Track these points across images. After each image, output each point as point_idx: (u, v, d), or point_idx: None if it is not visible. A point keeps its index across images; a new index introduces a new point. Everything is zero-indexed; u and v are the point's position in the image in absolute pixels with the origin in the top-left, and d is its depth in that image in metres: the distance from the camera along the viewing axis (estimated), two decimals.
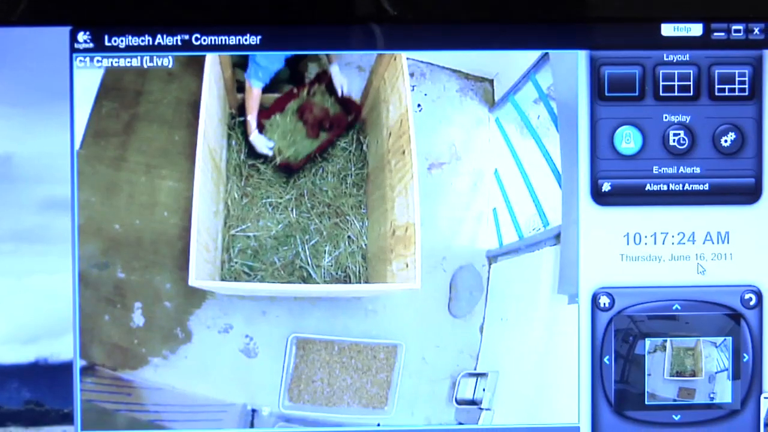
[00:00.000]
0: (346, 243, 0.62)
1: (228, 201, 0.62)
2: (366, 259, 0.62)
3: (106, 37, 0.55)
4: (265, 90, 0.60)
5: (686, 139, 0.55)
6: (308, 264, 0.60)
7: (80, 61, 0.55)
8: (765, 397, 0.57)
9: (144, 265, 0.57)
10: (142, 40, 0.55)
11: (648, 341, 0.56)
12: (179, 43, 0.55)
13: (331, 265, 0.61)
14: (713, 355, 0.56)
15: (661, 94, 0.55)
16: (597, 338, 0.56)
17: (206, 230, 0.59)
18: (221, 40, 0.55)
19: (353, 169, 0.64)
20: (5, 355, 0.55)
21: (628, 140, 0.56)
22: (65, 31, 0.55)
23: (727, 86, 0.55)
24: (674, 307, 0.56)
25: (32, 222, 0.55)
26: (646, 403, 0.56)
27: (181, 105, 0.59)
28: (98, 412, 0.56)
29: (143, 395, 0.56)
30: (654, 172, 0.56)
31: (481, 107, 0.59)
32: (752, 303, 0.56)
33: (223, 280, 0.61)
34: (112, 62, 0.55)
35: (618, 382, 0.56)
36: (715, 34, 0.56)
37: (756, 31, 0.55)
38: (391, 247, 0.60)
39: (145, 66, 0.56)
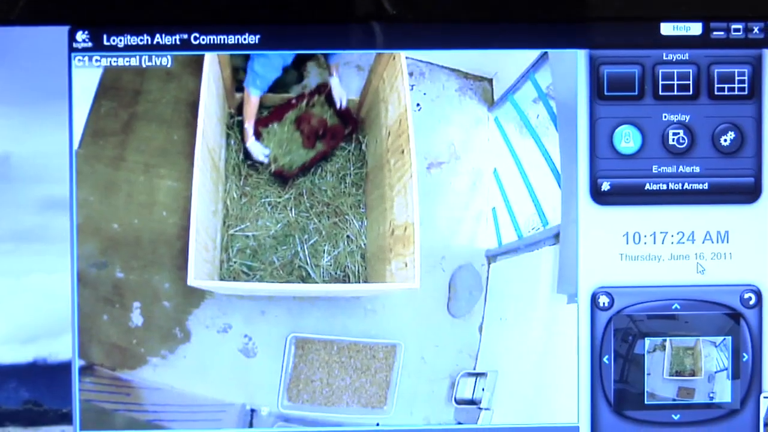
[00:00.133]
0: (345, 242, 0.62)
1: (227, 200, 0.62)
2: (365, 258, 0.62)
3: (105, 37, 0.55)
4: (272, 89, 0.60)
5: (686, 138, 0.55)
6: (307, 263, 0.60)
7: (79, 60, 0.55)
8: (764, 397, 0.56)
9: (143, 265, 0.57)
10: (141, 40, 0.55)
11: (647, 341, 0.56)
12: (178, 42, 0.55)
13: (330, 265, 0.61)
14: (713, 355, 0.56)
15: (660, 93, 0.55)
16: (596, 338, 0.56)
17: (205, 230, 0.59)
18: (220, 39, 0.55)
19: (352, 168, 0.64)
20: (4, 355, 0.55)
21: (627, 139, 0.56)
22: (64, 30, 0.55)
23: (726, 85, 0.55)
24: (674, 307, 0.56)
25: (31, 221, 0.55)
26: (646, 402, 0.56)
27: (180, 104, 0.59)
28: (97, 412, 0.56)
29: (142, 395, 0.56)
30: (653, 171, 0.56)
31: (481, 106, 0.59)
32: (752, 302, 0.56)
33: (222, 279, 0.61)
34: (110, 61, 0.55)
35: (617, 382, 0.56)
36: (715, 33, 0.55)
37: (755, 30, 0.55)
38: (390, 247, 0.60)
39: (144, 65, 0.55)
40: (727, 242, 0.56)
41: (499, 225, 0.58)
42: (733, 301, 0.56)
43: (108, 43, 0.55)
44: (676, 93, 0.55)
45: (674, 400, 0.56)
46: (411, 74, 0.58)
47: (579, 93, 0.56)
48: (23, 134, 0.55)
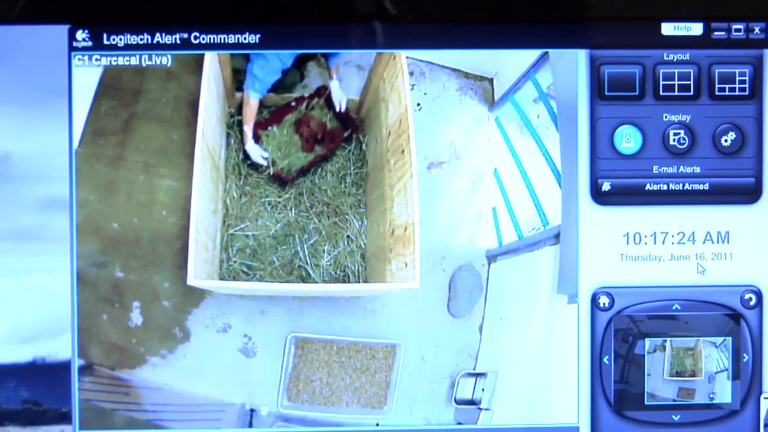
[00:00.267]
0: (345, 242, 0.62)
1: (227, 200, 0.62)
2: (365, 258, 0.62)
3: (105, 36, 0.55)
4: (275, 90, 0.60)
5: (686, 138, 0.55)
6: (307, 263, 0.60)
7: (79, 59, 0.55)
8: (765, 398, 0.56)
9: (142, 264, 0.57)
10: (141, 39, 0.55)
11: (648, 341, 0.56)
12: (178, 41, 0.55)
13: (330, 265, 0.60)
14: (713, 355, 0.56)
15: (661, 93, 0.55)
16: (596, 338, 0.56)
17: (205, 229, 0.59)
18: (220, 38, 0.55)
19: (352, 168, 0.64)
20: (3, 354, 0.55)
21: (628, 140, 0.56)
22: (64, 29, 0.55)
23: (727, 85, 0.55)
24: (674, 307, 0.56)
25: (30, 221, 0.55)
26: (646, 403, 0.56)
27: (180, 104, 0.59)
28: (96, 412, 0.56)
29: (141, 395, 0.56)
30: (654, 171, 0.56)
31: (481, 106, 0.59)
32: (752, 303, 0.56)
33: (221, 279, 0.61)
34: (110, 61, 0.55)
35: (617, 382, 0.56)
36: (716, 33, 0.55)
37: (756, 30, 0.55)
38: (390, 247, 0.60)
39: (144, 64, 0.55)
40: (728, 243, 0.56)
41: (500, 225, 0.58)
42: (734, 302, 0.56)
43: (108, 42, 0.55)
44: (676, 93, 0.55)
45: (674, 400, 0.56)
46: (411, 74, 0.58)
47: (580, 93, 0.56)
48: (23, 133, 0.55)
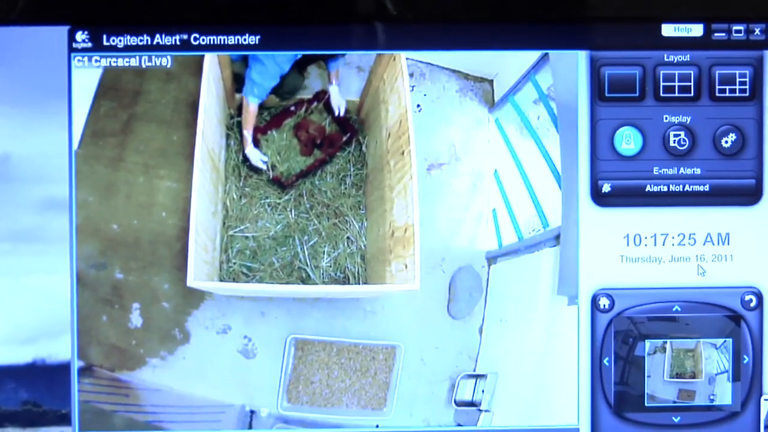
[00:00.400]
0: (345, 244, 0.62)
1: (226, 201, 0.62)
2: (365, 259, 0.62)
3: (105, 37, 0.55)
4: (279, 93, 0.60)
5: (686, 139, 0.55)
6: (307, 265, 0.60)
7: (78, 60, 0.55)
8: (765, 399, 0.56)
9: (142, 266, 0.57)
10: (141, 40, 0.55)
11: (648, 343, 0.56)
12: (178, 42, 0.55)
13: (330, 266, 0.60)
14: (713, 357, 0.56)
15: (661, 94, 0.55)
16: (597, 340, 0.56)
17: (205, 231, 0.59)
18: (220, 39, 0.55)
19: (352, 169, 0.64)
20: (3, 356, 0.55)
21: (628, 141, 0.55)
22: (63, 30, 0.55)
23: (727, 87, 0.55)
24: (674, 309, 0.56)
25: (30, 222, 0.55)
26: (646, 404, 0.56)
27: (180, 105, 0.59)
28: (96, 413, 0.56)
29: (141, 396, 0.56)
30: (654, 173, 0.55)
31: (481, 108, 0.59)
32: (752, 304, 0.56)
33: (221, 280, 0.61)
34: (110, 62, 0.55)
35: (618, 384, 0.56)
36: (716, 34, 0.55)
37: (757, 31, 0.55)
38: (390, 248, 0.60)
39: (144, 66, 0.55)
40: (728, 244, 0.56)
41: (500, 226, 0.58)
42: (734, 303, 0.56)
43: (108, 44, 0.55)
44: (677, 94, 0.55)
45: (675, 402, 0.56)
46: (411, 75, 0.58)
47: (580, 94, 0.56)
48: (23, 134, 0.54)
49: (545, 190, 0.57)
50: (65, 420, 0.56)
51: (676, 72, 0.55)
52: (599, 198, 0.56)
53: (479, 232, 0.58)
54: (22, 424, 0.55)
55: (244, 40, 0.55)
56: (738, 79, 0.55)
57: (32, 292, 0.55)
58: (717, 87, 0.55)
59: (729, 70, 0.55)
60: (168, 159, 0.58)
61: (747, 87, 0.55)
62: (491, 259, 0.58)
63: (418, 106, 0.59)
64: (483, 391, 0.57)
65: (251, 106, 0.61)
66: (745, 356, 0.56)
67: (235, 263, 0.61)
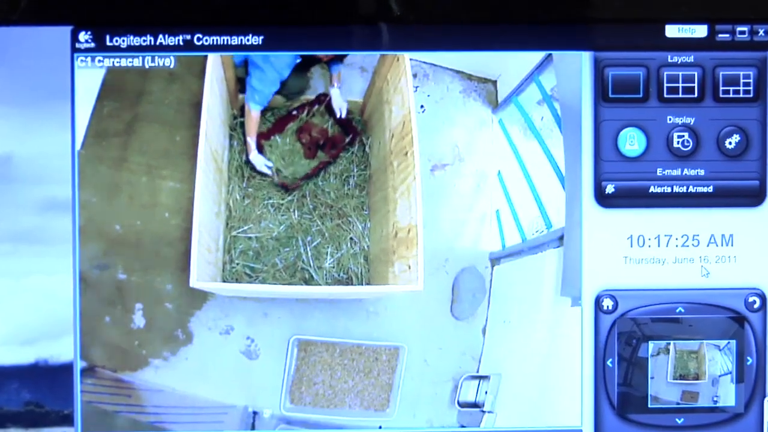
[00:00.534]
0: (348, 244, 0.62)
1: (229, 202, 0.62)
2: (368, 260, 0.62)
3: (108, 37, 0.55)
4: (286, 94, 0.60)
5: (690, 141, 0.55)
6: (310, 265, 0.60)
7: (81, 60, 0.55)
8: None
9: (145, 267, 0.57)
10: (144, 40, 0.55)
11: (651, 344, 0.56)
12: (181, 43, 0.55)
13: (333, 267, 0.60)
14: (717, 358, 0.56)
15: (665, 95, 0.55)
16: (600, 341, 0.56)
17: (208, 231, 0.59)
18: (223, 40, 0.55)
19: (355, 170, 0.64)
20: (5, 356, 0.55)
21: (632, 142, 0.55)
22: (66, 30, 0.55)
23: (731, 88, 0.55)
24: (678, 310, 0.56)
25: (32, 223, 0.55)
26: (649, 406, 0.56)
27: (183, 105, 0.58)
28: (98, 414, 0.56)
29: (144, 397, 0.56)
30: (658, 174, 0.55)
31: (485, 108, 0.59)
32: (756, 306, 0.56)
33: (224, 281, 0.60)
34: (113, 62, 0.55)
35: (621, 385, 0.56)
36: (720, 35, 0.55)
37: (761, 32, 0.55)
38: (393, 249, 0.60)
39: (147, 66, 0.55)
40: (732, 245, 0.56)
41: (503, 227, 0.58)
42: (738, 305, 0.56)
43: (111, 44, 0.55)
44: (680, 95, 0.55)
45: (678, 403, 0.56)
46: (415, 76, 0.58)
47: (583, 95, 0.56)
48: (25, 135, 0.54)
49: (549, 191, 0.57)
50: (68, 421, 0.55)
51: (680, 73, 0.55)
52: (603, 199, 0.56)
53: (482, 233, 0.58)
54: (24, 424, 0.55)
55: (248, 40, 0.55)
56: (742, 80, 0.55)
57: (33, 292, 0.55)
58: (721, 88, 0.55)
59: (733, 71, 0.55)
60: (171, 159, 0.58)
61: (751, 88, 0.55)
62: (494, 260, 0.58)
63: (422, 106, 0.59)
64: (486, 393, 0.57)
65: (253, 113, 0.61)
66: (748, 358, 0.56)
67: (238, 264, 0.61)
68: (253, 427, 0.57)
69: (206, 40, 0.55)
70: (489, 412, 0.57)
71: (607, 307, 0.56)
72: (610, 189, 0.55)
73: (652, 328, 0.56)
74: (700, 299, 0.56)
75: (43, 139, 0.54)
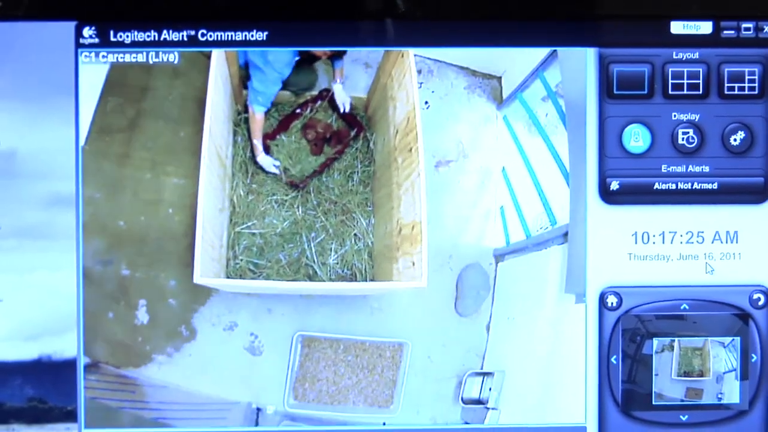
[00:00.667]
0: (353, 241, 0.61)
1: (234, 198, 0.62)
2: (372, 257, 0.62)
3: (112, 33, 0.55)
4: (295, 90, 0.61)
5: (695, 137, 0.55)
6: (314, 262, 0.60)
7: (85, 56, 0.55)
8: None
9: (148, 262, 0.57)
10: (148, 36, 0.55)
11: (656, 341, 0.56)
12: (185, 38, 0.55)
13: (337, 263, 0.60)
14: (721, 356, 0.56)
15: (670, 92, 0.55)
16: (604, 338, 0.56)
17: (211, 227, 0.59)
18: (228, 35, 0.55)
19: (360, 166, 0.64)
20: (8, 352, 0.55)
21: (636, 138, 0.55)
22: (70, 26, 0.55)
23: (736, 84, 0.55)
24: (682, 307, 0.56)
25: (36, 218, 0.55)
26: (654, 403, 0.56)
27: (187, 101, 0.58)
28: (102, 410, 0.56)
29: (147, 393, 0.56)
30: (662, 170, 0.55)
31: (489, 105, 0.59)
32: (761, 303, 0.56)
33: (228, 277, 0.60)
34: (117, 58, 0.55)
35: (625, 382, 0.56)
36: (725, 32, 0.55)
37: (766, 29, 0.55)
38: (397, 245, 0.60)
39: (151, 62, 0.55)
40: (737, 242, 0.56)
41: (507, 224, 0.58)
42: (742, 302, 0.56)
43: (115, 39, 0.55)
44: (685, 92, 0.55)
45: (682, 400, 0.56)
46: (419, 72, 0.58)
47: (588, 91, 0.56)
48: (29, 130, 0.54)
49: (553, 188, 0.57)
50: (71, 417, 0.55)
51: (685, 69, 0.55)
52: (607, 196, 0.56)
53: (487, 229, 0.58)
54: (27, 420, 0.55)
55: (252, 36, 0.55)
56: (747, 77, 0.55)
57: (37, 288, 0.55)
58: (726, 85, 0.55)
59: (738, 68, 0.55)
60: (175, 155, 0.58)
61: (756, 85, 0.55)
62: (499, 257, 0.58)
63: (426, 102, 0.58)
64: (490, 389, 0.57)
65: (257, 115, 0.61)
66: (753, 355, 0.56)
67: (241, 260, 0.61)
68: (256, 424, 0.57)
69: (210, 36, 0.55)
70: (493, 408, 0.57)
71: (612, 303, 0.56)
72: (614, 185, 0.55)
73: (656, 325, 0.56)
74: (704, 296, 0.56)
75: (46, 134, 0.54)
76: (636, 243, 0.56)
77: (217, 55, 0.56)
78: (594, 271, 0.56)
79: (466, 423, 0.57)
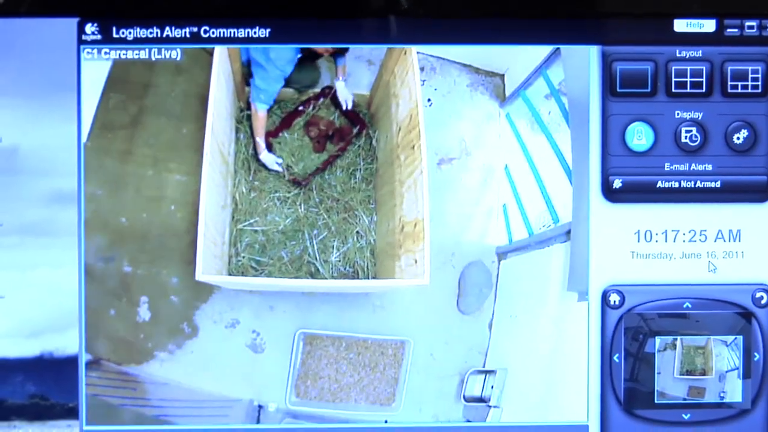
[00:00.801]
0: (355, 238, 0.61)
1: (236, 195, 0.62)
2: (374, 254, 0.61)
3: (114, 29, 0.55)
4: (299, 87, 0.60)
5: (698, 135, 0.55)
6: (316, 259, 0.60)
7: (88, 53, 0.55)
8: None
9: (150, 259, 0.56)
10: (151, 32, 0.55)
11: (658, 339, 0.56)
12: (188, 35, 0.55)
13: (339, 261, 0.60)
14: (724, 354, 0.56)
15: (673, 90, 0.55)
16: (607, 336, 0.56)
17: (214, 224, 0.59)
18: (230, 32, 0.55)
19: (362, 163, 0.64)
20: (10, 349, 0.55)
21: (639, 137, 0.55)
22: (73, 22, 0.54)
23: (739, 83, 0.55)
24: (685, 305, 0.56)
25: (38, 215, 0.54)
26: (656, 401, 0.56)
27: (190, 98, 0.58)
28: (103, 407, 0.56)
29: (149, 390, 0.56)
30: (665, 169, 0.55)
31: (492, 102, 0.59)
32: (763, 302, 0.56)
33: (230, 274, 0.60)
34: (119, 54, 0.55)
35: (627, 381, 0.56)
36: (729, 30, 0.55)
37: None
38: (399, 243, 0.60)
39: (153, 58, 0.55)
40: (739, 241, 0.56)
41: (510, 222, 0.58)
42: (745, 301, 0.56)
43: (117, 36, 0.55)
44: (689, 90, 0.55)
45: (685, 399, 0.56)
46: (422, 69, 0.58)
47: (591, 89, 0.56)
48: (31, 127, 0.54)
49: (556, 186, 0.57)
50: (72, 413, 0.55)
51: (688, 68, 0.55)
52: (610, 194, 0.56)
53: (489, 227, 0.58)
54: (29, 417, 0.55)
55: (255, 33, 0.55)
56: (750, 75, 0.55)
57: (39, 285, 0.55)
58: (729, 83, 0.55)
59: (741, 66, 0.55)
60: (177, 152, 0.58)
61: (759, 83, 0.55)
62: (501, 255, 0.58)
63: (429, 100, 0.58)
64: (492, 387, 0.57)
65: (260, 113, 0.61)
66: (755, 353, 0.56)
67: (244, 257, 0.61)
68: (258, 421, 0.57)
69: (213, 33, 0.55)
70: (495, 406, 0.57)
71: (614, 302, 0.56)
72: (617, 184, 0.55)
73: (659, 323, 0.56)
74: (707, 294, 0.56)
75: (49, 131, 0.54)
76: (639, 241, 0.56)
77: (220, 52, 0.56)
78: (596, 269, 0.56)
79: (468, 421, 0.57)
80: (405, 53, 0.57)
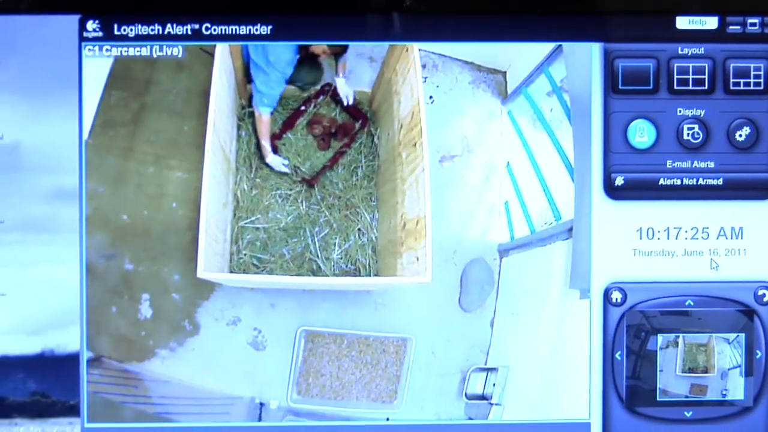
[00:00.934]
0: (356, 235, 0.61)
1: (237, 192, 0.62)
2: (376, 251, 0.61)
3: (116, 26, 0.55)
4: (302, 85, 0.61)
5: (700, 133, 0.55)
6: (318, 256, 0.60)
7: (89, 49, 0.55)
8: None
9: (152, 257, 0.56)
10: (152, 29, 0.55)
11: (660, 337, 0.56)
12: (189, 32, 0.55)
13: (341, 258, 0.60)
14: (726, 352, 0.56)
15: (675, 87, 0.55)
16: (609, 334, 0.56)
17: (215, 222, 0.59)
18: (232, 29, 0.55)
19: (364, 161, 0.64)
20: (11, 346, 0.55)
21: (641, 134, 0.55)
22: (74, 19, 0.54)
23: (742, 80, 0.55)
24: (687, 303, 0.56)
25: (39, 212, 0.54)
26: (658, 399, 0.56)
27: (191, 95, 0.58)
28: (105, 404, 0.56)
29: (150, 388, 0.56)
30: (667, 166, 0.55)
31: (494, 99, 0.59)
32: (765, 299, 0.56)
33: (231, 272, 0.60)
34: (121, 51, 0.55)
35: (629, 378, 0.56)
36: (731, 27, 0.55)
37: None
38: (401, 240, 0.60)
39: (155, 55, 0.55)
40: (741, 238, 0.56)
41: (512, 219, 0.58)
42: (747, 298, 0.56)
43: (119, 33, 0.55)
44: (691, 87, 0.55)
45: (687, 397, 0.56)
46: (424, 66, 0.58)
47: (593, 86, 0.56)
48: (33, 124, 0.54)
49: (558, 183, 0.57)
50: (74, 411, 0.55)
51: (691, 65, 0.55)
52: (612, 191, 0.55)
53: (491, 224, 0.58)
54: (30, 414, 0.55)
55: (256, 30, 0.55)
56: (752, 73, 0.55)
57: (41, 282, 0.55)
58: (731, 80, 0.55)
59: (743, 63, 0.55)
60: (179, 149, 0.58)
61: (761, 80, 0.55)
62: (503, 252, 0.58)
63: (431, 97, 0.58)
64: (494, 385, 0.57)
65: (264, 117, 0.61)
66: (757, 351, 0.56)
67: (245, 254, 0.61)
68: (259, 419, 0.57)
69: (215, 30, 0.55)
70: (497, 404, 0.57)
71: (616, 299, 0.56)
72: (619, 181, 0.55)
73: (661, 320, 0.56)
74: (709, 292, 0.56)
75: (50, 128, 0.54)
76: (641, 239, 0.56)
77: (222, 49, 0.56)
78: (598, 266, 0.56)
79: (470, 418, 0.57)
80: (407, 50, 0.57)
